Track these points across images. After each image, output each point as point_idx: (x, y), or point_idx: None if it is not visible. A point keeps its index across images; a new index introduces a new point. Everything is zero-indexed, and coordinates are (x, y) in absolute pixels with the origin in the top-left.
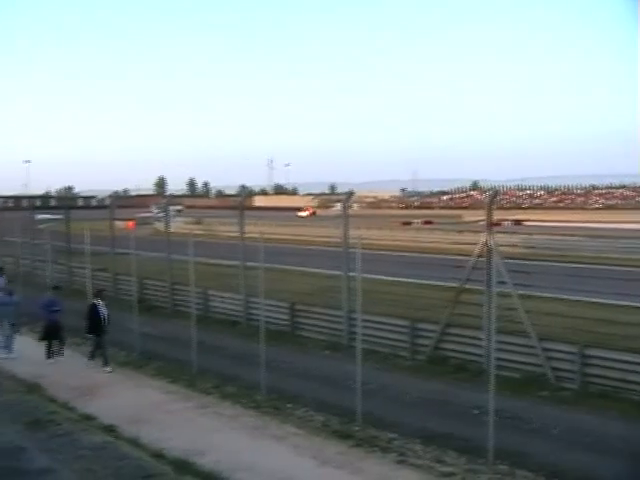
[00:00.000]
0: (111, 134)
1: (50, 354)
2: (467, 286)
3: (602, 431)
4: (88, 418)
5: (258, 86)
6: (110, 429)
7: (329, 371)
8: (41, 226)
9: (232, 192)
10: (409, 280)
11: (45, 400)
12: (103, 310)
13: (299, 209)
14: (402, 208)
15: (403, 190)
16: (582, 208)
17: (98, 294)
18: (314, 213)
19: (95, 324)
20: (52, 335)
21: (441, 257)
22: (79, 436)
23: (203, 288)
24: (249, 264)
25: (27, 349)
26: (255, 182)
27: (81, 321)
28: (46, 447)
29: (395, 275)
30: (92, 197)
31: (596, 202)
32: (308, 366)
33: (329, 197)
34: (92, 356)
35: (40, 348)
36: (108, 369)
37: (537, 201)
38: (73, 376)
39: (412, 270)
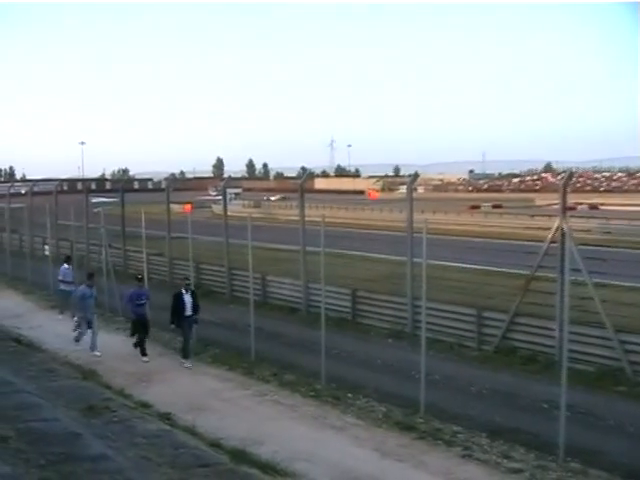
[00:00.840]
0: (169, 115)
1: (144, 351)
2: (538, 273)
3: None
4: (144, 405)
5: (319, 66)
6: (166, 417)
7: (392, 360)
8: (96, 210)
9: (292, 174)
10: (476, 267)
11: (100, 386)
12: (188, 299)
13: (361, 192)
14: (470, 191)
15: (471, 172)
16: None
17: (185, 283)
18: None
19: (180, 315)
20: (141, 330)
21: (511, 243)
22: (135, 423)
23: (262, 273)
24: (309, 249)
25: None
26: (316, 164)
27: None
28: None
29: (462, 261)
30: (148, 180)
31: None
32: (370, 355)
33: (393, 179)
34: (185, 353)
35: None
36: (188, 364)
37: (615, 184)
38: (129, 362)
39: (479, 256)
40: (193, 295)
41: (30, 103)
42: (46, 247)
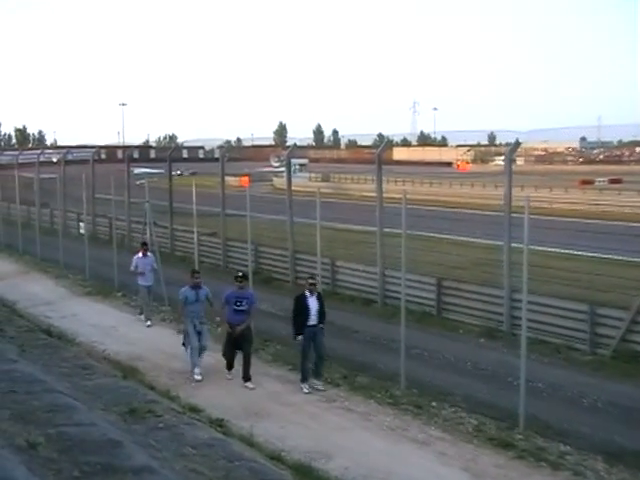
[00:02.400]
0: (222, 74)
1: (246, 374)
2: None
3: None
4: (193, 409)
5: (398, 17)
6: (219, 423)
7: (484, 363)
8: (139, 182)
9: (367, 142)
10: (589, 254)
11: (143, 386)
12: (313, 304)
13: (449, 164)
14: (581, 163)
15: (583, 140)
16: None
17: (309, 284)
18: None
19: (303, 324)
20: (234, 345)
21: (632, 226)
22: (183, 430)
23: (331, 258)
24: (387, 230)
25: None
26: (395, 131)
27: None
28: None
29: (571, 247)
30: (199, 148)
31: None
32: (458, 356)
33: (487, 149)
34: (317, 373)
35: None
36: (320, 386)
37: None
38: (176, 359)
39: (593, 242)
40: (319, 299)
41: (62, 59)
42: (81, 224)
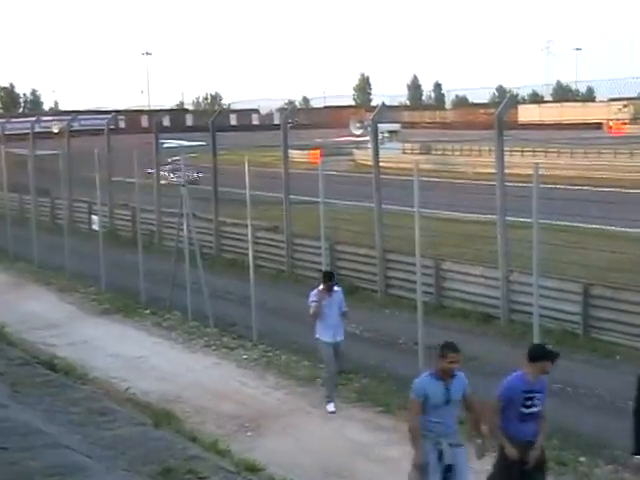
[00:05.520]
0: (283, 15)
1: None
2: None
3: None
4: (251, 468)
5: None
6: None
7: None
8: (171, 159)
9: (482, 100)
10: None
11: (182, 437)
12: None
13: (597, 125)
14: None
15: None
16: None
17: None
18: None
19: None
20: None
21: None
22: None
23: (435, 259)
24: (512, 220)
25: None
26: (522, 82)
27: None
28: None
29: None
30: (252, 111)
31: None
32: (615, 392)
33: None
34: None
35: None
36: None
37: None
38: (226, 399)
39: None
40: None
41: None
42: (94, 218)
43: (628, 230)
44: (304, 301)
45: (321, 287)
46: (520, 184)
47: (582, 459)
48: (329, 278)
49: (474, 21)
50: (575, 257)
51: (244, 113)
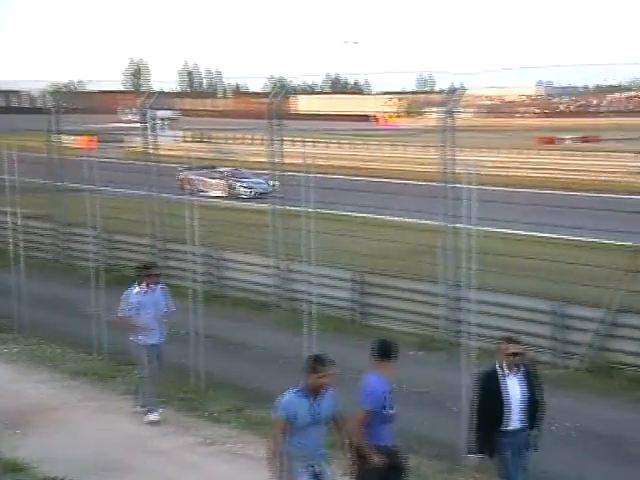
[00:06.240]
0: None
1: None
2: None
3: None
4: (16, 468)
5: None
6: None
7: (421, 382)
8: None
9: (259, 89)
10: (559, 236)
11: None
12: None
13: (367, 117)
14: (542, 115)
15: (540, 84)
16: None
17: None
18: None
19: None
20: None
21: (613, 198)
22: None
23: (213, 248)
24: (289, 208)
25: None
26: (301, 73)
27: None
28: None
29: (533, 228)
30: (13, 92)
31: None
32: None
33: (427, 97)
34: None
35: None
36: None
37: None
38: None
39: (564, 219)
40: (530, 377)
41: None
42: None
43: (400, 219)
44: (75, 291)
45: (137, 286)
46: (295, 173)
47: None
48: (147, 271)
49: (256, 12)
50: (351, 246)
51: (5, 94)
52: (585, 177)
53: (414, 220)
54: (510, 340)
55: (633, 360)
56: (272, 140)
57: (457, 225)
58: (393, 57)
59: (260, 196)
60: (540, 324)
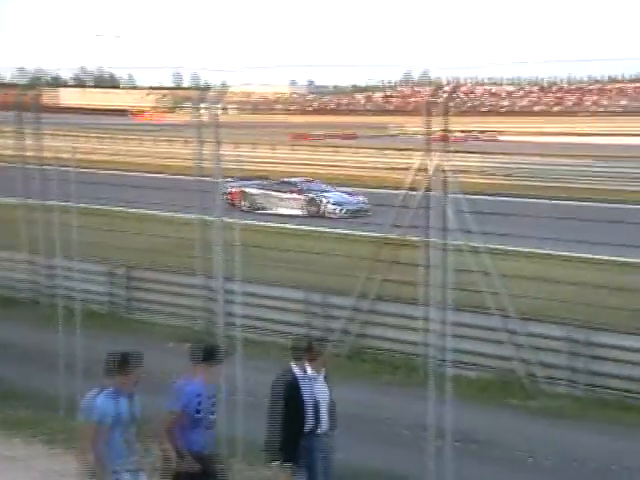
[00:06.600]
0: None
1: None
2: (407, 237)
3: None
4: None
5: None
6: None
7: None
8: None
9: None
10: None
11: None
12: (321, 391)
13: (128, 111)
14: (295, 113)
15: (293, 84)
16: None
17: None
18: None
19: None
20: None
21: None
22: None
23: None
24: (48, 203)
25: None
26: (70, 66)
27: None
28: None
29: (288, 220)
30: None
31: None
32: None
33: (201, 94)
34: None
35: None
36: None
37: (524, 103)
38: None
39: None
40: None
41: None
42: None
43: (165, 214)
44: None
45: None
46: (55, 167)
47: None
48: None
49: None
50: (119, 240)
51: None
52: (329, 171)
53: (171, 214)
54: (322, 340)
55: (383, 345)
56: (23, 133)
57: (206, 217)
58: (163, 52)
59: None
60: (296, 313)
